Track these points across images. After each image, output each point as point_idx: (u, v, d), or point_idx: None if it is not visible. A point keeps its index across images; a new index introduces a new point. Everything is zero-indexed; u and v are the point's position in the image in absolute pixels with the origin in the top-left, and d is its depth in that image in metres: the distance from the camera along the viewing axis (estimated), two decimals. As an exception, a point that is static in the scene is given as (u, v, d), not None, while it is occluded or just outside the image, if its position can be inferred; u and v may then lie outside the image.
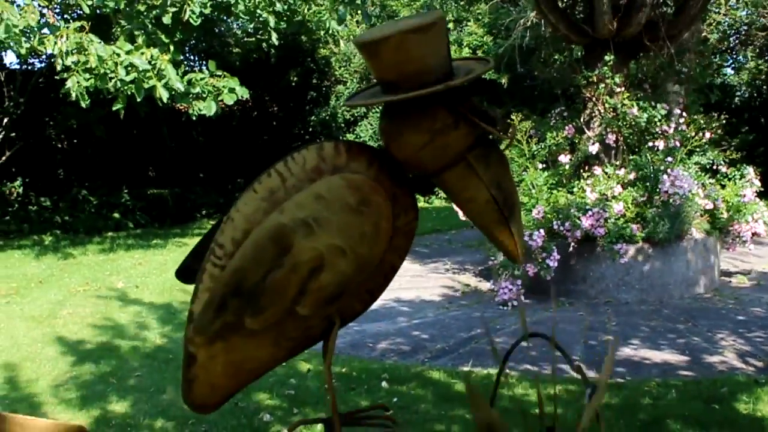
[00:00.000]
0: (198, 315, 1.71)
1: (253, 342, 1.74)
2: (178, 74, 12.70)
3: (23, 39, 11.59)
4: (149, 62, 12.03)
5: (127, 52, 11.97)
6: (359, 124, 22.24)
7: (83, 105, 12.05)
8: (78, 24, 12.36)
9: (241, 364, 1.76)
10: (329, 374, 1.85)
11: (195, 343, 1.72)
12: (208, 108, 12.91)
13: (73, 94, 11.80)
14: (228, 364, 1.74)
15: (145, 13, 13.00)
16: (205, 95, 13.04)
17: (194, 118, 13.47)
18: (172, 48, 13.15)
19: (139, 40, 12.70)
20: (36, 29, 11.76)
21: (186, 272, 2.11)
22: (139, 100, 12.16)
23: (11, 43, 11.60)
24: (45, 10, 14.00)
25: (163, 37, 13.17)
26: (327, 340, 1.86)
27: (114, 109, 12.52)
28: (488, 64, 1.85)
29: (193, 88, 12.99)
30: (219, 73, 13.46)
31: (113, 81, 11.85)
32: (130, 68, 11.87)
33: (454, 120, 1.74)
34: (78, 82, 11.70)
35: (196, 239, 15.84)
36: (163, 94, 12.07)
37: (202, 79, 13.19)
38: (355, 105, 1.87)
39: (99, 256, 13.70)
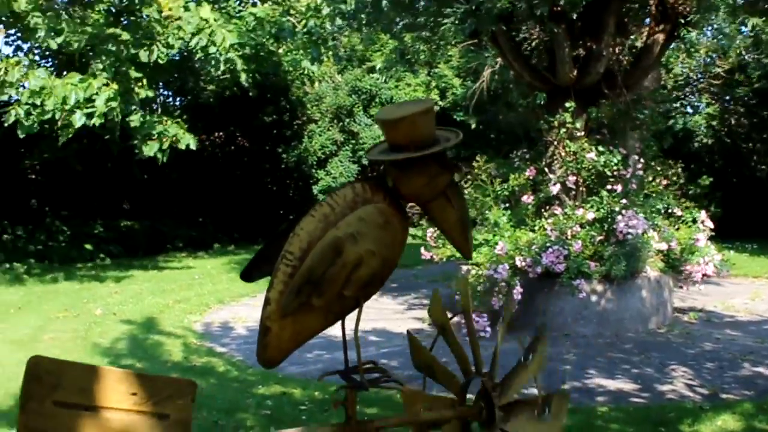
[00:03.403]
0: (282, 298, 2.48)
1: (311, 316, 2.55)
2: (137, 116, 13.31)
3: None
4: (93, 93, 12.55)
5: (74, 85, 12.48)
6: (330, 161, 22.74)
7: (20, 134, 12.78)
8: (15, 60, 12.92)
9: (301, 332, 2.58)
10: (357, 338, 2.68)
11: (271, 319, 2.50)
12: (150, 149, 13.42)
13: (8, 123, 12.50)
14: (293, 332, 2.55)
15: (120, 50, 13.49)
16: (155, 137, 13.54)
17: (142, 157, 14.01)
18: (145, 83, 13.65)
19: (106, 74, 13.20)
20: None
21: (247, 274, 2.90)
22: (76, 126, 12.71)
23: None
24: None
25: (137, 73, 13.67)
26: (358, 312, 2.71)
27: (60, 137, 13.16)
28: (459, 135, 2.73)
29: (142, 129, 13.51)
30: (168, 119, 13.96)
31: (49, 113, 12.41)
32: (63, 102, 12.43)
33: (441, 168, 2.61)
34: (17, 114, 12.34)
35: (169, 271, 16.21)
36: (98, 121, 12.64)
37: (156, 121, 13.68)
38: (374, 159, 2.62)
39: (75, 285, 14.00)
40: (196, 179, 22.44)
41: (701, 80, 21.26)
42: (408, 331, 3.25)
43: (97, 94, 12.57)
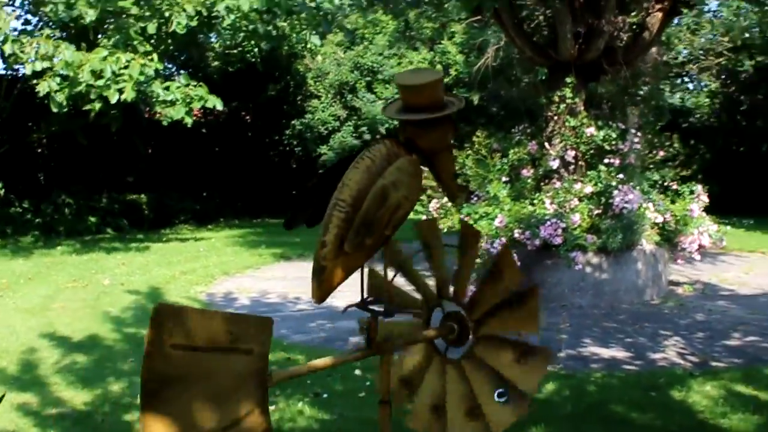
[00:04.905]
0: (340, 240, 2.89)
1: (357, 255, 2.96)
2: (157, 82, 13.49)
3: None
4: (121, 67, 12.73)
5: (103, 59, 12.65)
6: (332, 136, 22.92)
7: (54, 109, 12.84)
8: (48, 32, 13.04)
9: (348, 269, 2.99)
10: (386, 268, 3.22)
11: (327, 259, 2.88)
12: (177, 113, 13.66)
13: (41, 94, 12.61)
14: (344, 269, 2.96)
15: (132, 22, 13.64)
16: (177, 102, 13.76)
17: (165, 124, 14.27)
18: (155, 57, 13.80)
19: (118, 49, 13.34)
20: (8, 34, 12.44)
21: (289, 223, 3.35)
22: (112, 102, 12.85)
23: None
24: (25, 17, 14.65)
25: (147, 46, 13.82)
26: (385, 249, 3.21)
27: (86, 108, 13.31)
28: (462, 100, 3.22)
29: (167, 95, 13.72)
30: (192, 82, 14.18)
31: (82, 85, 12.57)
32: (97, 73, 12.59)
33: (451, 126, 3.13)
34: (49, 86, 12.48)
35: (175, 243, 16.43)
36: (130, 95, 12.79)
37: (177, 87, 13.90)
38: (396, 117, 3.18)
39: (83, 257, 14.25)
40: (200, 154, 22.66)
41: (704, 58, 21.39)
42: (370, 268, 3.56)
43: (125, 67, 12.78)
